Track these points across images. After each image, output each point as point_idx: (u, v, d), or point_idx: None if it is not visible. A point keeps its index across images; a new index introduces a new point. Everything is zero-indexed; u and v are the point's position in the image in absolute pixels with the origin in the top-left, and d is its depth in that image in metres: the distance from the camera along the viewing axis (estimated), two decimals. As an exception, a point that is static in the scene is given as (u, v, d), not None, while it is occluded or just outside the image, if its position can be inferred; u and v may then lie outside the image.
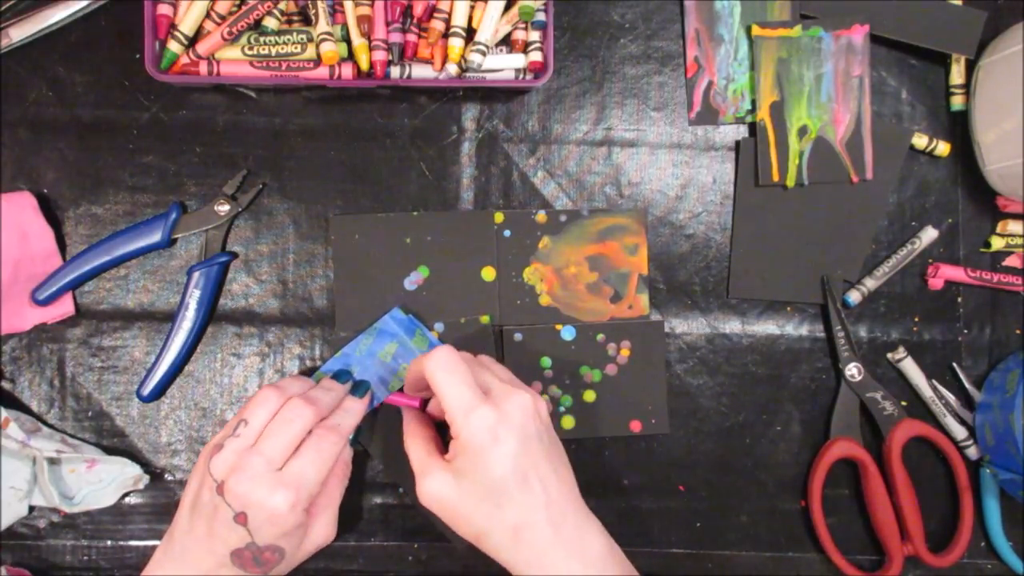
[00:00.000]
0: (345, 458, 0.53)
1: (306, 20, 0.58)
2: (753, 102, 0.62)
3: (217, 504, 0.48)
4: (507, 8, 0.58)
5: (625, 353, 0.61)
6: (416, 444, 0.51)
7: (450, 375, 0.48)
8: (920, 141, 0.63)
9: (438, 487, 0.48)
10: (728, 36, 0.62)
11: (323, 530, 0.51)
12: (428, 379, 0.48)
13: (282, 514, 0.47)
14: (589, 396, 0.61)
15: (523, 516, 0.46)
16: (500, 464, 0.46)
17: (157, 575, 0.49)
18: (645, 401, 0.61)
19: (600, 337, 0.61)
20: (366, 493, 0.60)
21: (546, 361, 0.61)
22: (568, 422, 0.61)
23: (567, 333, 0.61)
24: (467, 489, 0.47)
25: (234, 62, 0.57)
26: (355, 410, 0.53)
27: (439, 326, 0.60)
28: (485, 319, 0.60)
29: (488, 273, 0.60)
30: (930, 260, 0.63)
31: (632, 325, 0.61)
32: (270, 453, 0.48)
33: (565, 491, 0.48)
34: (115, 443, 0.59)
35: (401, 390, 0.56)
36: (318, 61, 0.57)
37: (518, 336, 0.60)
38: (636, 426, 0.61)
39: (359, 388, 0.55)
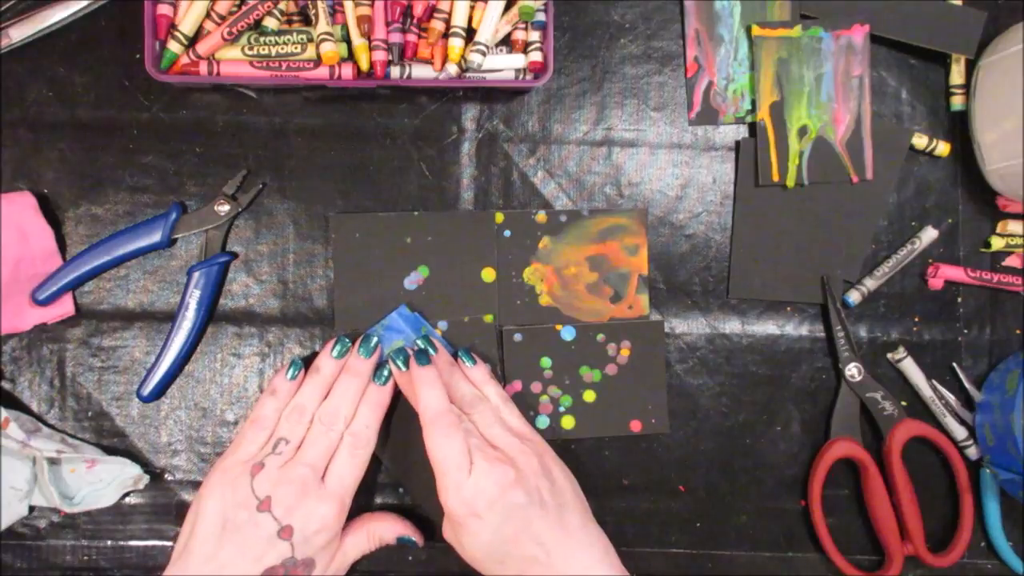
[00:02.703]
0: (380, 533, 0.56)
1: (306, 20, 0.58)
2: (753, 102, 0.62)
3: (259, 521, 0.49)
4: (507, 8, 0.58)
5: (625, 353, 0.61)
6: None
7: (443, 443, 0.51)
8: (920, 141, 0.63)
9: (449, 535, 0.53)
10: (728, 36, 0.62)
11: (338, 570, 0.53)
12: (425, 439, 0.51)
13: (329, 523, 0.50)
14: (589, 396, 0.61)
15: (526, 569, 0.50)
16: (483, 536, 0.50)
17: None
18: (645, 401, 0.61)
19: (600, 337, 0.61)
20: (367, 493, 0.60)
21: (546, 361, 0.61)
22: (568, 422, 0.61)
23: (567, 333, 0.61)
24: (467, 546, 0.51)
25: (234, 62, 0.57)
26: (380, 401, 0.55)
27: (443, 324, 0.60)
28: (489, 318, 0.60)
29: (488, 274, 0.60)
30: (930, 260, 0.63)
31: (632, 325, 0.61)
32: (312, 463, 0.51)
33: (569, 539, 0.51)
34: (115, 443, 0.59)
35: None
36: (318, 61, 0.57)
37: (518, 337, 0.60)
38: (636, 426, 0.61)
39: (380, 373, 0.55)
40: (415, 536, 0.57)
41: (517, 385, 0.60)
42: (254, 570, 0.48)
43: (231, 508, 0.50)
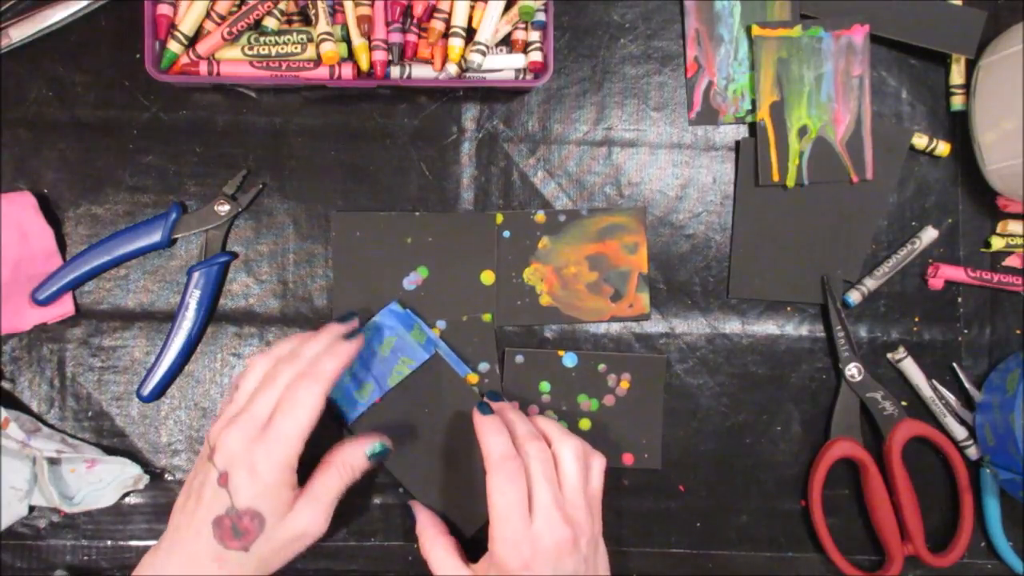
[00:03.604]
0: (349, 460, 0.52)
1: (306, 20, 0.58)
2: (753, 102, 0.62)
3: (207, 470, 0.49)
4: (507, 8, 0.58)
5: (624, 385, 0.61)
6: (439, 547, 0.54)
7: (507, 489, 0.49)
8: (920, 141, 0.63)
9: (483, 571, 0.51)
10: (728, 36, 0.62)
11: (309, 517, 0.50)
12: (488, 479, 0.50)
13: (259, 466, 0.48)
14: (584, 424, 0.61)
15: None
16: None
17: (147, 574, 0.49)
18: (639, 435, 0.61)
19: (601, 367, 0.61)
20: (366, 493, 0.60)
21: (545, 386, 0.60)
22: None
23: (569, 360, 0.61)
24: None
25: (234, 62, 0.57)
26: (340, 352, 0.52)
27: (441, 324, 0.60)
28: (487, 317, 0.60)
29: (487, 277, 0.60)
30: (930, 260, 0.63)
31: (635, 359, 0.61)
32: (257, 412, 0.49)
33: None
34: (115, 443, 0.59)
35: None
36: (318, 61, 0.57)
37: (519, 358, 0.60)
38: (628, 459, 0.61)
39: (351, 336, 0.53)
40: (383, 441, 0.54)
41: (515, 407, 0.60)
42: (206, 521, 0.48)
43: (198, 462, 0.51)
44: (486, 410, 0.54)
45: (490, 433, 0.52)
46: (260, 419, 0.49)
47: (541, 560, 0.48)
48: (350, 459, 0.52)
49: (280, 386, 0.50)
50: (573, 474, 0.51)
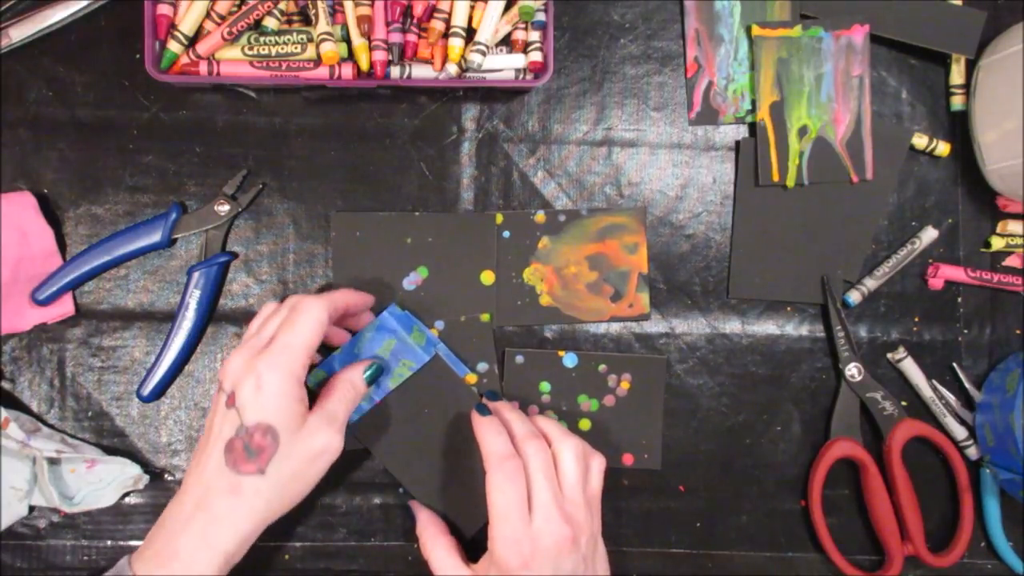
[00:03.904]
0: (351, 378, 0.53)
1: (306, 20, 0.58)
2: (753, 102, 0.62)
3: (219, 399, 0.49)
4: (507, 8, 0.58)
5: (625, 386, 0.61)
6: (440, 547, 0.54)
7: (507, 488, 0.49)
8: (920, 141, 0.63)
9: (484, 570, 0.51)
10: (728, 36, 0.62)
11: (325, 432, 0.49)
12: (487, 479, 0.50)
13: (264, 379, 0.47)
14: (584, 424, 0.61)
15: None
16: None
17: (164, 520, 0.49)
18: (639, 435, 0.61)
19: (602, 368, 0.61)
20: (366, 493, 0.60)
21: (545, 386, 0.60)
22: (562, 448, 0.60)
23: (569, 360, 0.61)
24: None
25: (234, 62, 0.57)
26: (350, 291, 0.55)
27: (439, 324, 0.60)
28: (486, 317, 0.60)
29: (487, 277, 0.60)
30: (930, 260, 0.63)
31: (635, 359, 0.61)
32: (263, 334, 0.50)
33: None
34: (115, 443, 0.59)
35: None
36: (318, 61, 0.57)
37: (519, 359, 0.60)
38: (628, 459, 0.61)
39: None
40: (375, 363, 0.54)
41: (514, 406, 0.60)
42: (217, 449, 0.48)
43: (213, 399, 0.51)
44: (484, 411, 0.54)
45: (489, 433, 0.52)
46: (265, 339, 0.50)
47: (541, 558, 0.48)
48: (352, 377, 0.53)
49: (285, 312, 0.51)
50: (573, 473, 0.51)
